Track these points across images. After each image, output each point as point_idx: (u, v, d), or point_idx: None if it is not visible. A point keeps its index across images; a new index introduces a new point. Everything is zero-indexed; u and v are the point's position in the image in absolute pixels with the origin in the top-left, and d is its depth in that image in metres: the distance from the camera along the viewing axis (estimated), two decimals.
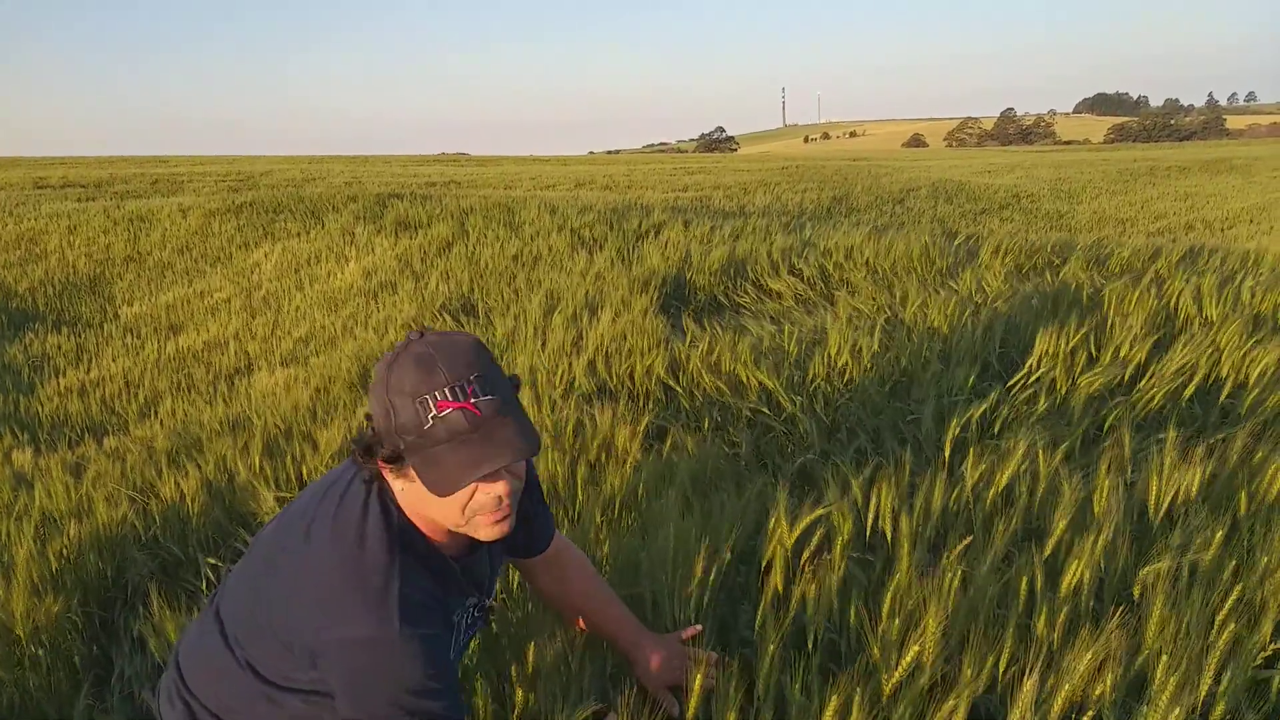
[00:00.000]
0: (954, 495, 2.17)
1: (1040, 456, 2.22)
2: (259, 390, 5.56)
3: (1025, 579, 1.72)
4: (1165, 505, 2.05)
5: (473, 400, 1.14)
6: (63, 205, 15.15)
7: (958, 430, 2.68)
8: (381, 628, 1.16)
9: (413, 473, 1.18)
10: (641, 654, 1.60)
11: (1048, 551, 1.82)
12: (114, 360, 7.44)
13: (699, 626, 1.67)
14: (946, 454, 2.50)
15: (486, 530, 1.21)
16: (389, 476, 1.23)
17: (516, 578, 2.26)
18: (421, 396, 1.13)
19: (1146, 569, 1.69)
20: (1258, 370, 3.05)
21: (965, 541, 1.79)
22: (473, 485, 1.17)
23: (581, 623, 1.69)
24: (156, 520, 3.35)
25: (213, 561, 3.04)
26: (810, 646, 1.60)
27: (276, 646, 1.26)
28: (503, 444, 1.14)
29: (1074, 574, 1.68)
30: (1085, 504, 1.98)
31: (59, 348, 8.07)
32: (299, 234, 11.04)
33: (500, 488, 1.18)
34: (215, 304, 8.98)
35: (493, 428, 1.15)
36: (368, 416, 1.24)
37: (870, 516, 2.07)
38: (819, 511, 1.89)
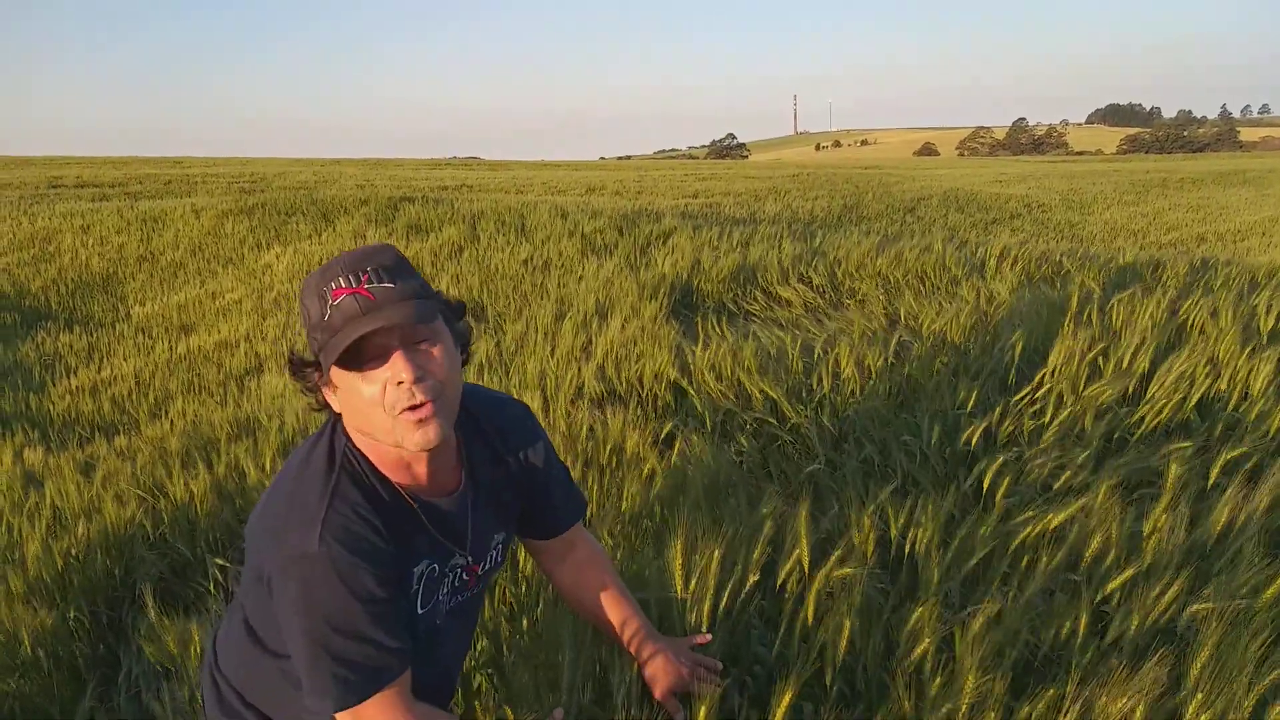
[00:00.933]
0: (988, 529, 2.09)
1: (1099, 500, 2.11)
2: (270, 391, 5.58)
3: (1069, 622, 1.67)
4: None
5: (366, 285, 1.13)
6: (76, 205, 15.25)
7: (966, 443, 2.67)
8: (303, 543, 1.14)
9: (333, 375, 1.18)
10: (651, 657, 1.54)
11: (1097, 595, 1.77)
12: (125, 360, 7.47)
13: (709, 635, 1.63)
14: (985, 484, 2.44)
15: (409, 432, 1.15)
16: (329, 398, 1.23)
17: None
18: (322, 288, 1.15)
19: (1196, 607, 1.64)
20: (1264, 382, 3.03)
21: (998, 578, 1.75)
22: (381, 383, 1.14)
23: (589, 615, 1.64)
24: (165, 520, 3.37)
25: (221, 562, 3.05)
26: (828, 682, 1.57)
27: (257, 595, 1.25)
28: (384, 316, 1.12)
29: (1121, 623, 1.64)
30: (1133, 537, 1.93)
31: (71, 346, 8.11)
32: (310, 236, 11.08)
33: (398, 366, 1.13)
34: (227, 305, 9.02)
35: (384, 308, 1.12)
36: None
37: (900, 544, 2.05)
38: (839, 553, 1.84)
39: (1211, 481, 2.37)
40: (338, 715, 1.19)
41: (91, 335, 8.47)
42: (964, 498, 2.44)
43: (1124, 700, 1.33)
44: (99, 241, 12.12)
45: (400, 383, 1.14)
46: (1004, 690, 1.41)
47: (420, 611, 1.29)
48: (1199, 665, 1.46)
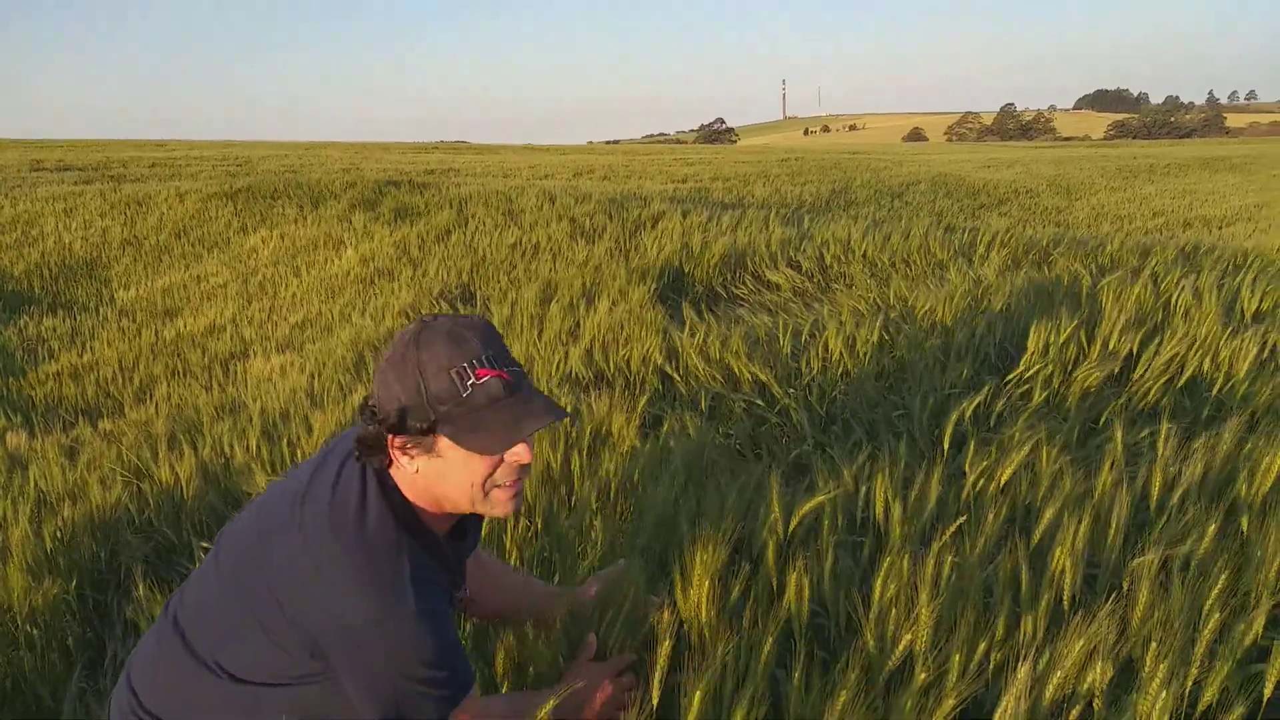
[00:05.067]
0: (952, 491, 2.17)
1: (1043, 452, 2.21)
2: (255, 375, 5.56)
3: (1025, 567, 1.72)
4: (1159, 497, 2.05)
5: (506, 369, 1.22)
6: (59, 188, 15.10)
7: (954, 424, 2.68)
8: (396, 608, 1.18)
9: (441, 446, 1.21)
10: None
11: (1035, 539, 1.83)
12: (109, 344, 7.42)
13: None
14: (945, 446, 2.50)
15: (502, 505, 1.26)
16: (402, 457, 1.25)
17: None
18: (459, 366, 1.19)
19: (1137, 560, 1.69)
20: (1246, 364, 3.06)
21: (958, 522, 1.79)
22: (496, 462, 1.22)
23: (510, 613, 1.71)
24: (151, 503, 3.35)
25: (206, 545, 3.04)
26: (797, 632, 1.60)
27: (262, 642, 1.23)
28: (539, 407, 1.22)
29: (1059, 561, 1.69)
30: (1084, 497, 1.98)
31: (54, 330, 8.05)
32: (296, 220, 11.01)
33: (527, 455, 1.23)
34: (212, 289, 8.96)
35: (526, 394, 1.23)
36: (366, 402, 1.25)
37: (865, 504, 2.07)
38: (817, 499, 1.89)
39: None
40: None
41: (75, 319, 8.41)
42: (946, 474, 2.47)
43: (1080, 642, 1.36)
44: (82, 225, 12.01)
45: (521, 464, 1.24)
46: (967, 624, 1.45)
47: None
48: (1140, 609, 1.50)
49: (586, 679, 1.43)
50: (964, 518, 1.87)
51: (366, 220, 10.13)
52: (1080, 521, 1.73)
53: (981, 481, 2.19)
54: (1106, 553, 1.82)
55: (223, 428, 3.92)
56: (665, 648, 1.37)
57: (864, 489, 2.11)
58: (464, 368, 1.19)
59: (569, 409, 3.23)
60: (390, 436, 1.23)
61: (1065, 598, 1.67)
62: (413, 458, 1.24)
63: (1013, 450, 2.20)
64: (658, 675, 1.36)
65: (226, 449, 3.70)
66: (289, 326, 7.03)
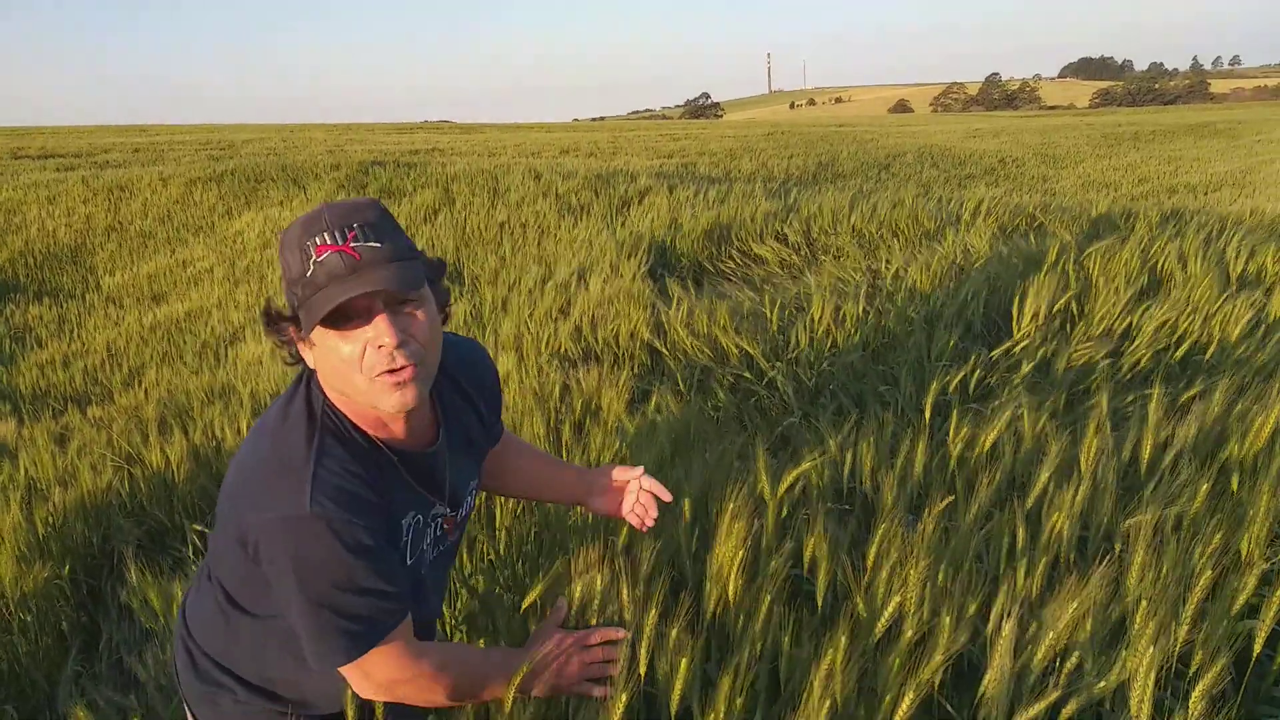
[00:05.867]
0: (938, 456, 2.19)
1: (1025, 417, 2.23)
2: (244, 358, 5.54)
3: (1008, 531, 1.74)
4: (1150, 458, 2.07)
5: (353, 244, 1.11)
6: (41, 175, 14.96)
7: (940, 392, 2.69)
8: (294, 506, 1.12)
9: (313, 334, 1.15)
10: (591, 497, 1.64)
11: (1029, 504, 1.85)
12: (96, 331, 7.39)
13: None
14: (927, 416, 2.52)
15: (386, 395, 1.15)
16: (304, 352, 1.21)
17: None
18: (305, 243, 1.11)
19: (1129, 521, 1.71)
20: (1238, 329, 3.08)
21: (947, 500, 1.80)
22: (362, 343, 1.13)
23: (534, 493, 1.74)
24: (142, 488, 3.35)
25: (199, 528, 3.05)
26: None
27: (238, 564, 1.23)
28: (371, 279, 1.10)
29: (1055, 524, 1.71)
30: (1072, 460, 2.00)
31: (40, 318, 8.01)
32: (282, 202, 10.94)
33: (380, 330, 1.11)
34: (198, 273, 8.92)
35: (370, 270, 1.10)
36: None
37: (850, 471, 2.09)
38: (804, 466, 1.90)
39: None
40: (344, 669, 1.19)
41: (61, 307, 8.36)
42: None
43: (1074, 604, 1.37)
44: (66, 212, 11.92)
45: (381, 346, 1.12)
46: (959, 587, 1.46)
47: (408, 563, 1.29)
48: (1136, 569, 1.52)
49: (551, 645, 1.39)
50: (950, 498, 1.89)
51: None
52: (1075, 489, 1.74)
53: (964, 447, 2.20)
54: (1099, 515, 1.83)
55: (213, 411, 3.92)
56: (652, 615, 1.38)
57: (849, 455, 2.12)
58: (308, 244, 1.11)
59: (557, 385, 3.23)
60: (289, 331, 1.19)
61: (1062, 558, 1.68)
62: (308, 349, 1.20)
63: (996, 416, 2.22)
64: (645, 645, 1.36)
65: (218, 432, 3.70)
66: (282, 296, 7.01)
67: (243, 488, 1.20)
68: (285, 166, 12.96)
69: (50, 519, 3.07)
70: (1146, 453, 2.09)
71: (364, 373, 1.13)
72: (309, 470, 1.14)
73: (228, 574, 1.30)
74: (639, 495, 1.59)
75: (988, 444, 2.19)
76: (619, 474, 1.61)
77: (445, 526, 1.37)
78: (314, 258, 1.10)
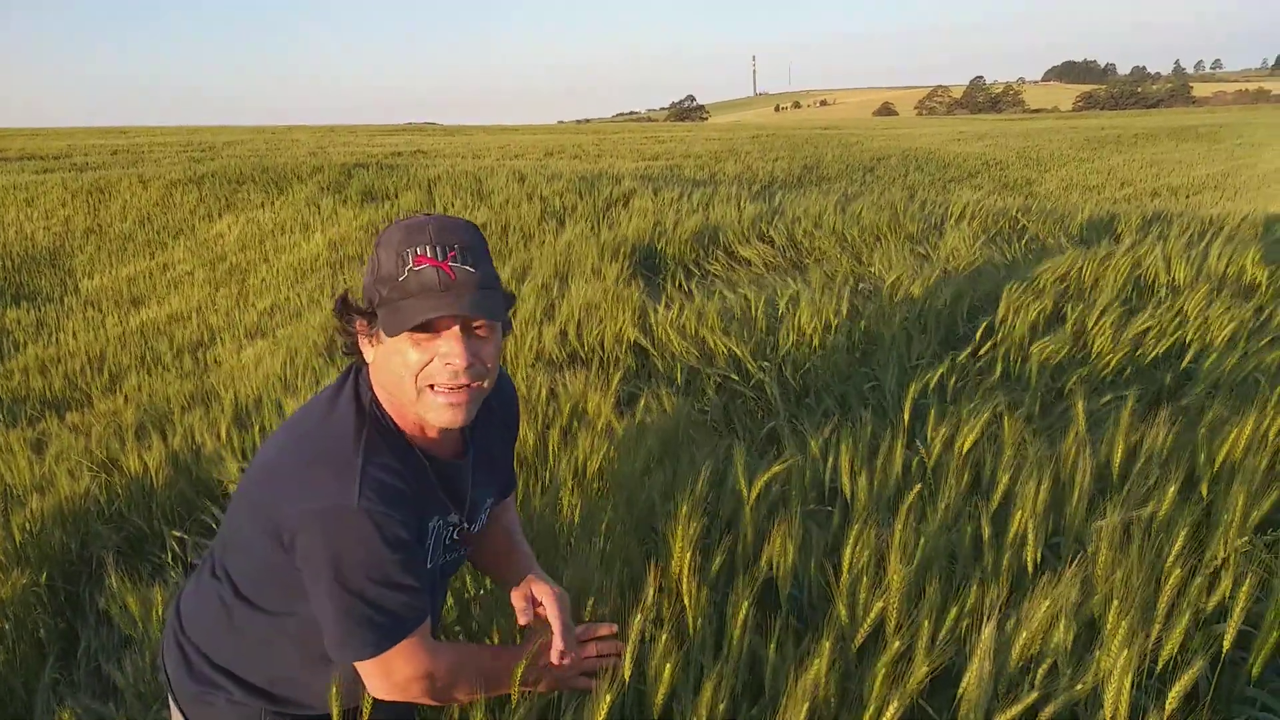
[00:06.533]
0: (915, 459, 2.19)
1: (1006, 422, 2.22)
2: (225, 362, 5.50)
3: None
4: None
5: (451, 263, 1.15)
6: (20, 177, 14.82)
7: (918, 395, 2.70)
8: (341, 497, 1.14)
9: (382, 332, 1.19)
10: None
11: (995, 504, 1.85)
12: (75, 335, 7.31)
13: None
14: (906, 418, 2.52)
15: (438, 410, 1.19)
16: (364, 346, 1.24)
17: None
18: (404, 250, 1.16)
19: (1098, 522, 1.71)
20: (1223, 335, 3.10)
21: (915, 490, 1.80)
22: (431, 354, 1.16)
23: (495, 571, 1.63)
24: (121, 494, 3.31)
25: (178, 534, 3.01)
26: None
27: (257, 557, 1.25)
28: (462, 302, 1.15)
29: (1018, 525, 1.71)
30: (1046, 463, 2.00)
31: (19, 322, 7.92)
32: (263, 205, 10.88)
33: (454, 349, 1.16)
34: (178, 276, 8.85)
35: (462, 292, 1.15)
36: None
37: (832, 474, 2.08)
38: (778, 466, 1.90)
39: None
40: (365, 665, 1.20)
41: (40, 310, 8.28)
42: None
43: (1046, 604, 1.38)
44: (44, 214, 11.81)
45: (449, 363, 1.17)
46: (935, 592, 1.46)
47: (428, 565, 1.30)
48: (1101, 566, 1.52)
49: (547, 639, 1.38)
50: (919, 488, 1.89)
51: (334, 204, 10.03)
52: (1040, 484, 1.75)
53: (942, 449, 2.20)
54: (1070, 518, 1.84)
55: (193, 417, 3.88)
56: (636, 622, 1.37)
57: (830, 458, 2.12)
58: (407, 252, 1.15)
59: (544, 389, 3.22)
60: (357, 323, 1.22)
61: (1029, 561, 1.69)
62: (370, 345, 1.23)
63: (972, 419, 2.22)
64: (631, 647, 1.35)
65: (198, 438, 3.66)
66: (258, 313, 6.96)
67: (285, 478, 1.21)
68: (266, 168, 12.88)
69: (28, 526, 3.03)
70: (1119, 455, 2.09)
71: (419, 381, 1.18)
72: (358, 463, 1.17)
73: (246, 567, 1.29)
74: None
75: (965, 447, 2.19)
76: (537, 590, 1.49)
77: (457, 537, 1.38)
78: (410, 265, 1.15)
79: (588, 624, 1.47)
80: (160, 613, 2.29)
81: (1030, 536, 1.69)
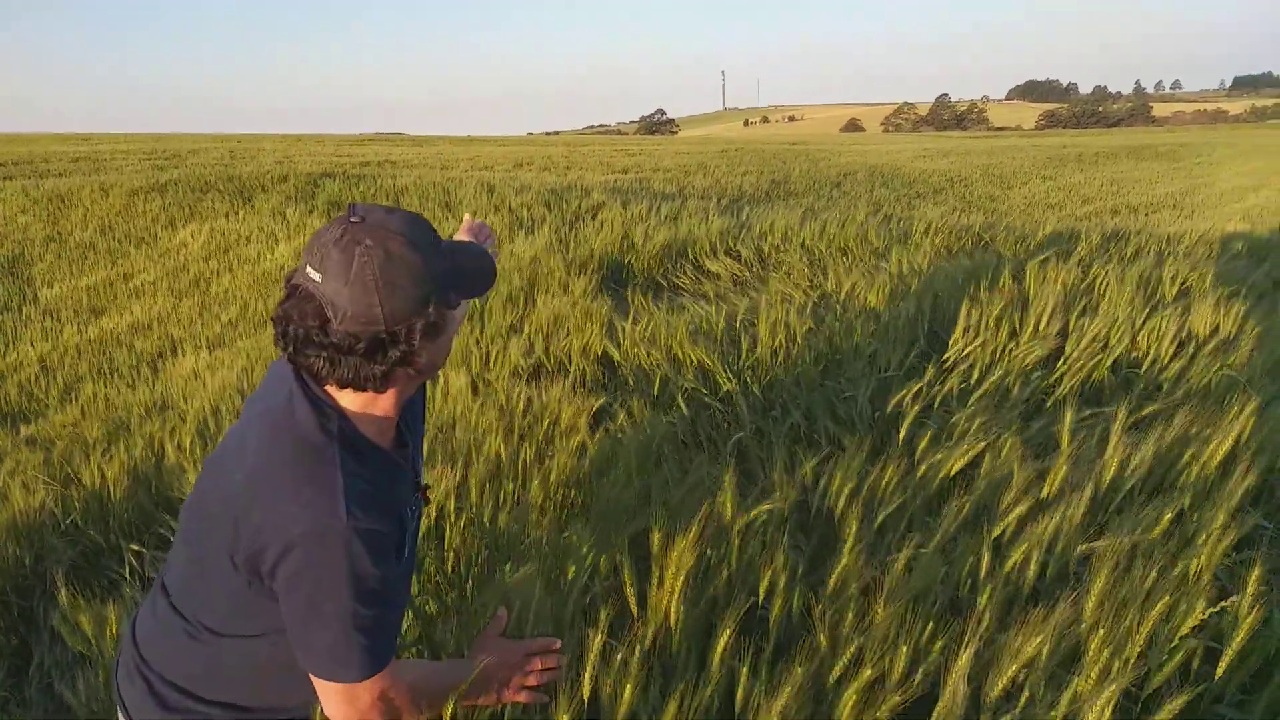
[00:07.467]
0: (908, 483, 2.18)
1: (1007, 446, 2.22)
2: (184, 373, 5.42)
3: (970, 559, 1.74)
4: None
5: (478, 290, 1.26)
6: None
7: (897, 406, 2.72)
8: (329, 516, 1.11)
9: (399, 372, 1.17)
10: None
11: (996, 534, 1.84)
12: (32, 344, 7.18)
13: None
14: (902, 435, 2.53)
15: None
16: (421, 352, 1.18)
17: None
18: (440, 243, 1.19)
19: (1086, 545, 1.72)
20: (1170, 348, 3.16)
21: (893, 505, 1.81)
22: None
23: None
24: (77, 506, 3.25)
25: (136, 548, 2.96)
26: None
27: (222, 585, 1.21)
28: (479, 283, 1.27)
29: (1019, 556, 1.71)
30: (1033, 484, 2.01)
31: None
32: (227, 214, 10.76)
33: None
34: (139, 286, 8.72)
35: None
36: (318, 317, 1.12)
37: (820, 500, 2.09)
38: (766, 505, 1.89)
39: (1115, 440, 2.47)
40: (334, 687, 1.17)
41: None
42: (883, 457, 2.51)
43: (1036, 639, 1.38)
44: (3, 221, 11.61)
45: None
46: (924, 629, 1.46)
47: (405, 554, 1.28)
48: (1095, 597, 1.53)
49: (497, 655, 1.40)
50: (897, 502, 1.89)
51: (300, 214, 9.94)
52: (1043, 522, 1.74)
53: (930, 470, 2.20)
54: (1062, 544, 1.82)
55: (152, 427, 3.82)
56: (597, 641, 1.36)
57: (820, 484, 2.11)
58: (432, 239, 1.18)
59: (521, 402, 3.22)
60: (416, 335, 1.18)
61: (1025, 589, 1.69)
62: (428, 347, 1.18)
63: (964, 441, 2.22)
64: (589, 667, 1.34)
65: (156, 448, 3.60)
66: (220, 324, 6.87)
67: (259, 500, 1.16)
68: (232, 177, 12.75)
69: None
70: (1107, 478, 2.10)
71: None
72: (338, 479, 1.13)
73: (214, 597, 1.25)
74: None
75: (955, 468, 2.20)
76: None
77: (417, 496, 1.38)
78: (443, 247, 1.19)
79: (532, 639, 1.47)
80: (114, 630, 2.24)
81: (1032, 569, 1.69)
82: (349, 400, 1.20)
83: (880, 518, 2.00)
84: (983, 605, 1.59)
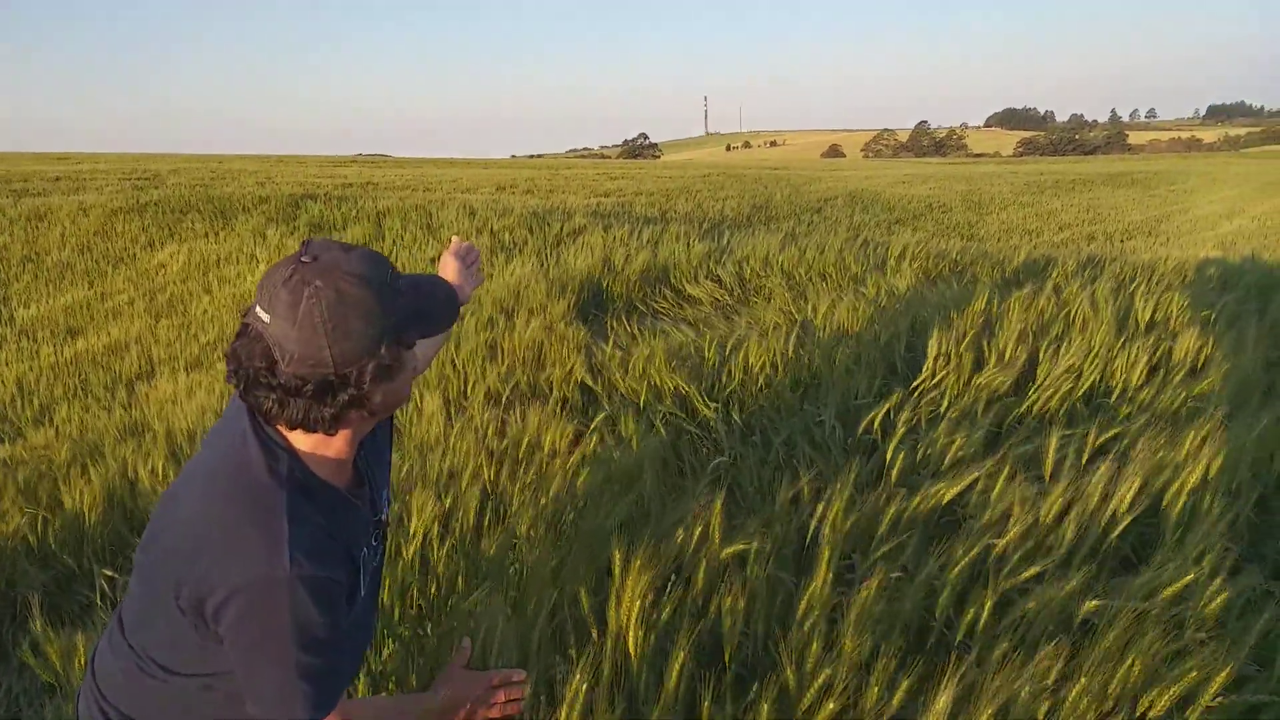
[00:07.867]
0: (888, 515, 2.20)
1: (1004, 478, 2.23)
2: (161, 395, 5.38)
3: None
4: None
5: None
6: None
7: (864, 431, 2.74)
8: (271, 566, 1.09)
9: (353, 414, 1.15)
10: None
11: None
12: (8, 365, 7.11)
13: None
14: (888, 456, 2.55)
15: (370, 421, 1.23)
16: (372, 393, 1.15)
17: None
18: (391, 278, 1.15)
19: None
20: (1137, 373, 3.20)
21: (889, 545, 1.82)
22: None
23: None
24: (51, 531, 3.21)
25: (109, 574, 2.93)
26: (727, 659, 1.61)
27: (170, 625, 1.19)
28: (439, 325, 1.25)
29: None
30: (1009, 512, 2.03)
31: None
32: (207, 235, 10.71)
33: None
34: (117, 306, 8.66)
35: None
36: (266, 358, 1.10)
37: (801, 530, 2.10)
38: (746, 544, 1.89)
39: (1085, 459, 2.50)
40: None
41: None
42: (863, 480, 2.52)
43: (1019, 684, 1.39)
44: None
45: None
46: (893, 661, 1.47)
47: (362, 594, 1.27)
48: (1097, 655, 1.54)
49: (460, 687, 1.40)
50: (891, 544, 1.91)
51: (281, 235, 9.91)
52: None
53: (918, 503, 2.21)
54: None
55: (126, 450, 3.79)
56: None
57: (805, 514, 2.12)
58: (387, 277, 1.14)
59: (493, 427, 3.22)
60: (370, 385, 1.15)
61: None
62: (379, 388, 1.16)
63: (950, 474, 2.24)
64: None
65: (131, 472, 3.57)
66: (199, 346, 6.83)
67: (204, 545, 1.14)
68: (212, 198, 12.71)
69: None
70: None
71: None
72: (284, 526, 1.11)
73: (163, 636, 1.24)
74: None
75: (946, 498, 2.21)
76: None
77: (376, 541, 1.35)
78: (395, 284, 1.15)
79: (495, 670, 1.47)
80: (82, 660, 2.22)
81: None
82: (300, 441, 1.18)
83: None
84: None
